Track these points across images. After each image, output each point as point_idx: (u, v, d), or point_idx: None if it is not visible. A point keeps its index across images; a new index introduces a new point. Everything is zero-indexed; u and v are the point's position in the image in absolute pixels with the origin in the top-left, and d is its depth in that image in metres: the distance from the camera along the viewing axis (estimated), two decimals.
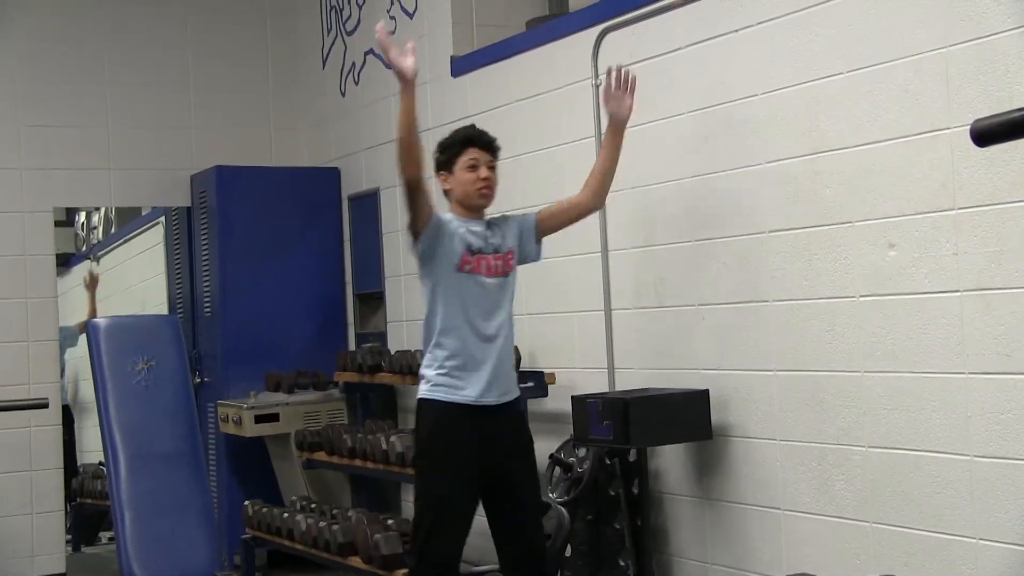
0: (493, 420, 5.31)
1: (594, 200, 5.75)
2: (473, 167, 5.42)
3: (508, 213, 5.72)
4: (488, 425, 5.29)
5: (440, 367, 5.33)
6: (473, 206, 5.46)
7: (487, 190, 5.46)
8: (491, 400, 5.31)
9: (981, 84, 4.61)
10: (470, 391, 5.26)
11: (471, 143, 5.46)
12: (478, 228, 5.44)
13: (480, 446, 5.26)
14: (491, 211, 5.54)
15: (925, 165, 4.90)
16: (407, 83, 5.28)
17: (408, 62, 5.21)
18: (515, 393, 5.57)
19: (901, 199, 5.00)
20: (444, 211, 5.45)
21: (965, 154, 4.58)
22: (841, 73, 5.25)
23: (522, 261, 5.63)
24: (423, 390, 5.39)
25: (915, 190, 4.94)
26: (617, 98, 5.68)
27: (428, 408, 5.36)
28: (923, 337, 4.92)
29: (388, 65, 5.38)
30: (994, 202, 4.61)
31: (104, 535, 10.61)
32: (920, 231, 4.92)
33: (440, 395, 5.30)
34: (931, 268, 4.88)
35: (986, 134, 3.21)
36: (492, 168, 5.47)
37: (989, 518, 4.63)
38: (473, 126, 5.63)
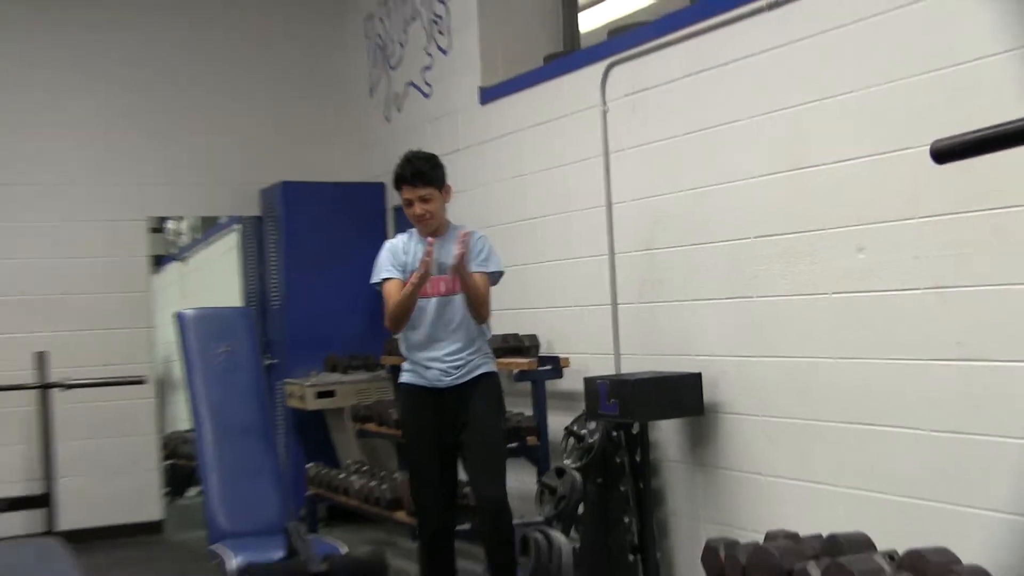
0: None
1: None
2: (409, 204, 5.43)
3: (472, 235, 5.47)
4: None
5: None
6: (423, 234, 5.43)
7: (422, 222, 5.44)
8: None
9: (939, 110, 4.52)
10: None
11: (401, 182, 5.45)
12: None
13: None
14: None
15: (891, 180, 4.80)
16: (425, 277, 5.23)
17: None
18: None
19: (870, 209, 4.89)
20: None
21: (926, 171, 4.40)
22: (818, 100, 5.14)
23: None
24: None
25: (882, 201, 4.85)
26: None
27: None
28: (888, 328, 4.83)
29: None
30: (950, 212, 4.53)
31: (192, 490, 10.71)
32: (886, 237, 4.83)
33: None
34: (895, 270, 4.79)
35: (944, 153, 3.11)
36: (426, 199, 5.39)
37: (946, 484, 4.56)
38: (405, 161, 5.53)
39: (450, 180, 7.85)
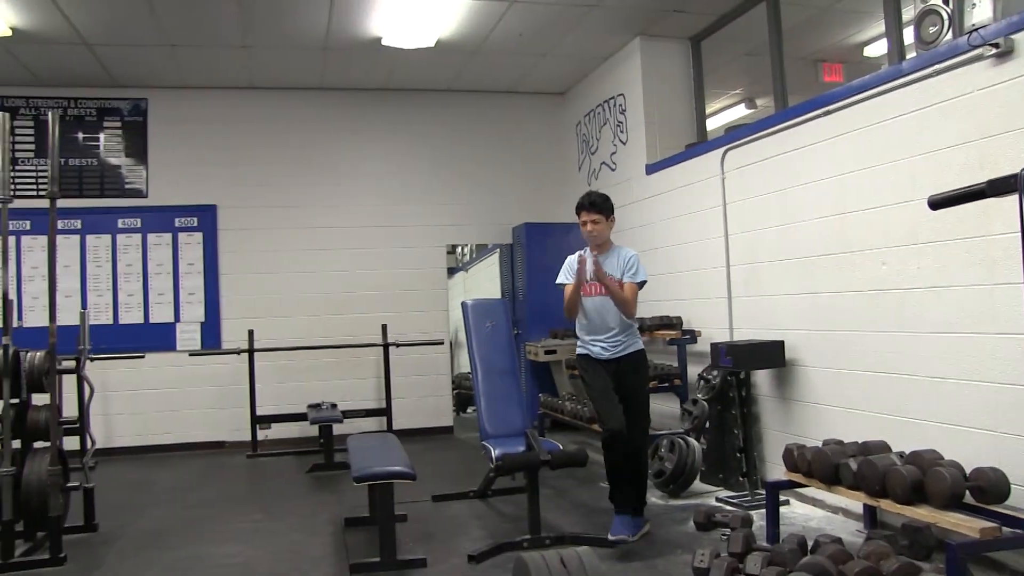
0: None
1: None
2: (584, 224, 5.09)
3: (627, 252, 5.14)
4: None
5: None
6: (592, 250, 5.08)
7: (591, 237, 5.11)
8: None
9: (932, 177, 4.48)
10: None
11: (580, 209, 5.10)
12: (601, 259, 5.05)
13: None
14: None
15: (900, 220, 4.76)
16: (580, 283, 5.00)
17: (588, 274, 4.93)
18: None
19: (887, 238, 4.86)
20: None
21: (923, 215, 4.43)
22: (854, 171, 5.11)
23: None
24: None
25: (894, 233, 4.80)
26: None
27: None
28: (901, 313, 4.77)
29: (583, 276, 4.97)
30: (938, 240, 4.49)
31: (470, 408, 10.87)
32: (898, 256, 4.78)
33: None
34: (905, 276, 4.73)
35: (936, 203, 3.15)
36: (595, 221, 5.05)
37: (937, 408, 4.52)
38: (585, 195, 5.13)
39: (628, 222, 8.07)
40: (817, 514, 5.43)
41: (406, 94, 9.35)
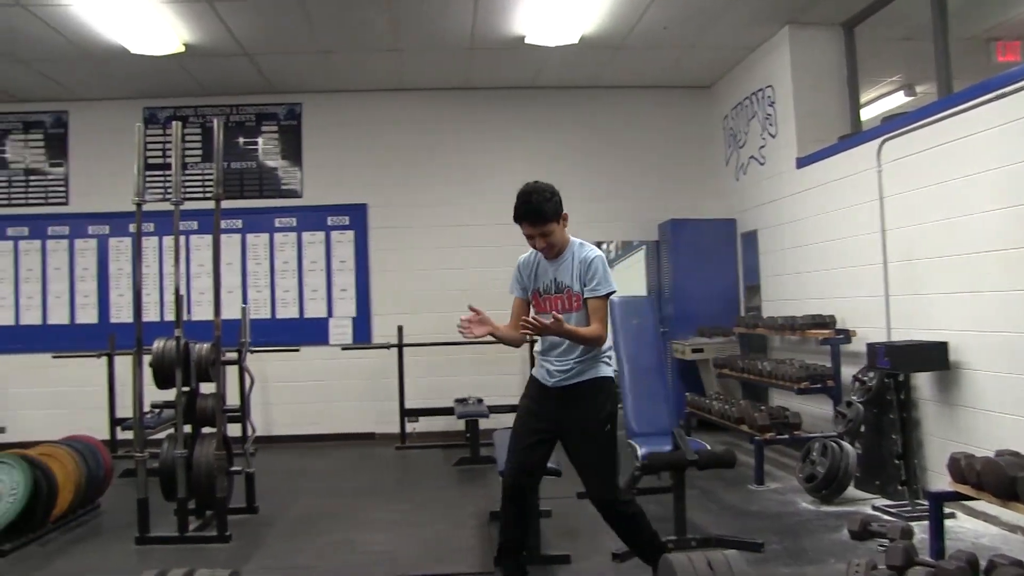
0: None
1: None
2: (530, 239, 3.89)
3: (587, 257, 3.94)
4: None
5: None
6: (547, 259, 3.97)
7: (544, 253, 3.93)
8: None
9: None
10: None
11: (519, 220, 3.85)
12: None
13: None
14: None
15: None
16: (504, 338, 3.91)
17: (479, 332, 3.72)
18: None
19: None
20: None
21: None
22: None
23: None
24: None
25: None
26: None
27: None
28: None
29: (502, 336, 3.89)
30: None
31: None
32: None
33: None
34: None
35: None
36: (545, 234, 3.83)
37: None
38: (522, 201, 3.84)
39: (777, 218, 7.85)
40: (990, 531, 5.09)
41: (550, 92, 9.38)
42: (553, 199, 3.85)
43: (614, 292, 3.89)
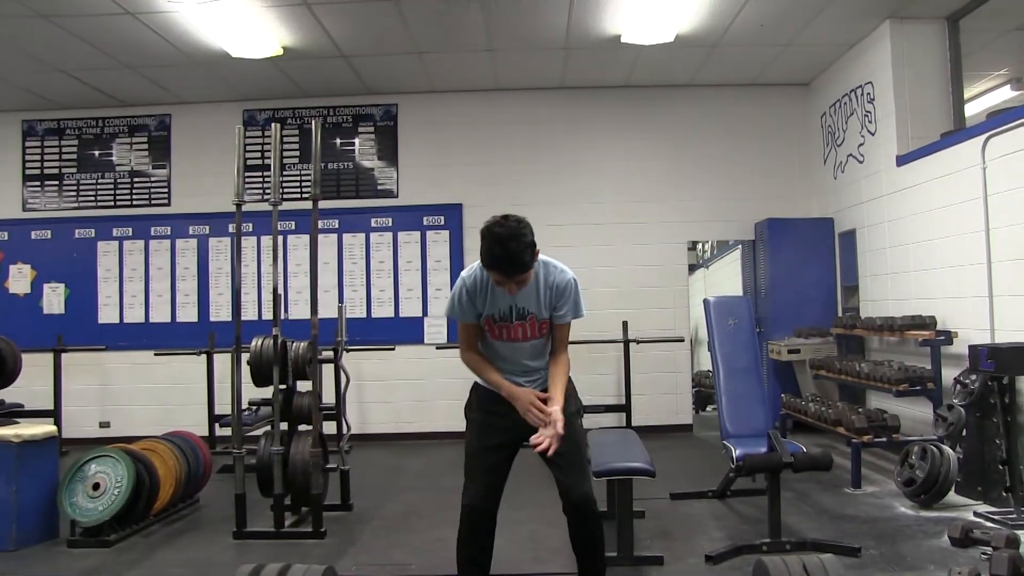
0: None
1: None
2: (501, 283, 3.49)
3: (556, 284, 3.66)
4: None
5: None
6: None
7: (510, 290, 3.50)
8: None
9: None
10: None
11: (494, 271, 3.45)
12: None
13: None
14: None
15: None
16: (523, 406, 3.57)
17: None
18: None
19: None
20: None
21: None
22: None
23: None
24: None
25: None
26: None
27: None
28: None
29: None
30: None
31: (710, 407, 10.83)
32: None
33: None
34: None
35: None
36: (520, 282, 3.47)
37: None
38: (499, 250, 3.38)
39: (876, 217, 7.75)
40: None
41: (645, 91, 9.41)
42: (531, 244, 3.43)
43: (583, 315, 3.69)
